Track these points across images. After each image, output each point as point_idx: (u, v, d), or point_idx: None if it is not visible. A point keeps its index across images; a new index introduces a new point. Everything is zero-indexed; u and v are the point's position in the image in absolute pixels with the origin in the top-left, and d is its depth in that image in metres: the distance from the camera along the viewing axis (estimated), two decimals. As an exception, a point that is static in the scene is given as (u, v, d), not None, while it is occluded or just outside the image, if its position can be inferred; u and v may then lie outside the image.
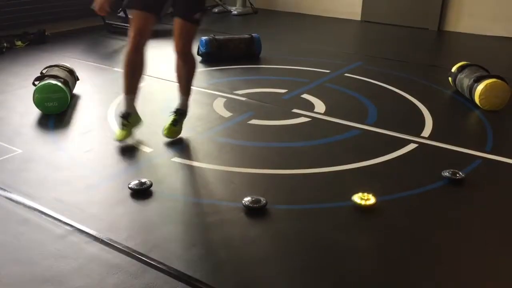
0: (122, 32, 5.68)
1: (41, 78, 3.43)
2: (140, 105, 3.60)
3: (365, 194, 2.33)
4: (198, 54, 4.69)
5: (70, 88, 3.55)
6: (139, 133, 3.09)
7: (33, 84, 3.40)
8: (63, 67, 3.68)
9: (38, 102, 3.26)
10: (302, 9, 7.11)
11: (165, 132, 2.94)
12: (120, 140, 2.86)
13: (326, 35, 6.05)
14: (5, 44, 4.83)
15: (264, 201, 2.28)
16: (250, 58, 4.73)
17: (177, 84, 2.99)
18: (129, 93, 2.86)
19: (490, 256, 2.04)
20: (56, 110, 3.30)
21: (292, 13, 7.09)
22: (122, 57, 2.86)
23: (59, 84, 3.31)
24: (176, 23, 2.72)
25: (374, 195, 2.33)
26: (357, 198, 2.31)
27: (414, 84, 4.15)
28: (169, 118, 2.97)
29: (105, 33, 5.72)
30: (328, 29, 6.34)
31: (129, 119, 2.87)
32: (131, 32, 2.72)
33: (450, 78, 3.98)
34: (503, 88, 3.51)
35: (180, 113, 2.98)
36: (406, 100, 3.76)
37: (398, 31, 6.26)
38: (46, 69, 3.65)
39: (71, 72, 3.71)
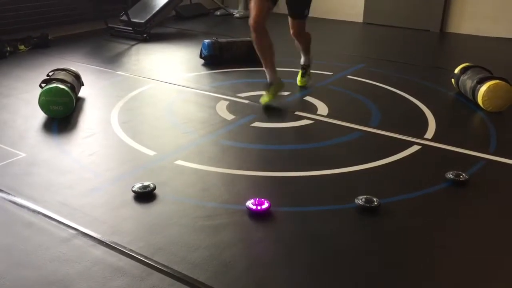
0: (125, 36, 5.71)
1: (48, 81, 3.44)
2: (143, 108, 3.63)
3: None
4: (200, 57, 4.71)
5: (76, 94, 3.56)
6: (142, 135, 3.11)
7: (40, 86, 3.41)
8: (70, 71, 3.69)
9: (43, 105, 3.27)
10: (304, 11, 7.11)
11: (299, 83, 4.01)
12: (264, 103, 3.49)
13: (328, 37, 6.05)
14: (8, 48, 4.85)
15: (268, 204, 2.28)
16: (253, 60, 4.70)
17: (300, 49, 3.94)
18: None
19: (493, 258, 2.04)
20: (60, 115, 3.31)
21: (294, 16, 7.09)
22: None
23: (66, 89, 3.32)
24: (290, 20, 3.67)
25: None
26: None
27: (417, 86, 4.15)
28: (299, 73, 4.03)
29: (108, 37, 5.74)
30: (330, 31, 6.34)
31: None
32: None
33: (453, 80, 3.98)
34: (506, 89, 3.50)
35: (306, 66, 4.01)
36: (409, 101, 3.76)
37: (401, 33, 6.26)
38: (53, 72, 3.67)
39: (77, 77, 3.72)
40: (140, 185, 2.42)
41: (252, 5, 3.36)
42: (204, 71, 4.50)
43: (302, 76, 4.02)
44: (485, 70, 3.78)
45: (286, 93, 3.87)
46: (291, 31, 3.70)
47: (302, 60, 4.00)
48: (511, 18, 5.84)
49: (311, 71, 4.11)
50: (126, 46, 5.43)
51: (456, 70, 3.93)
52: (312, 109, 3.56)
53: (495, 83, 3.49)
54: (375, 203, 2.30)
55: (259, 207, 2.26)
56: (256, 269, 1.93)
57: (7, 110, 3.50)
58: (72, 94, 3.35)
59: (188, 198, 2.41)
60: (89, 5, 5.81)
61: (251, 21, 3.35)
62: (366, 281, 1.88)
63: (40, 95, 3.27)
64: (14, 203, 2.34)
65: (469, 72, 3.78)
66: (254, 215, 2.25)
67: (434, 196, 2.46)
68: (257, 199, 2.30)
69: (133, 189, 2.40)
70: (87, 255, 1.98)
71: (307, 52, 3.96)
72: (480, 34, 6.02)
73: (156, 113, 3.51)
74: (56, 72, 3.67)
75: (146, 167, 2.70)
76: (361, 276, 1.91)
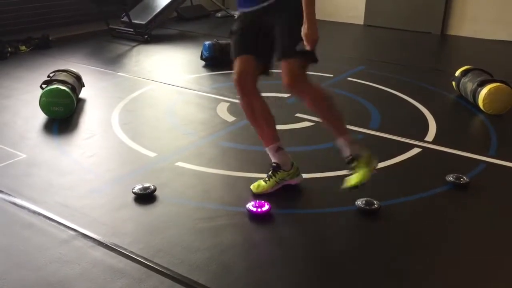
0: (126, 37, 5.71)
1: (48, 82, 3.44)
2: (143, 110, 3.63)
3: None
4: (201, 58, 4.71)
5: (77, 95, 3.56)
6: (143, 137, 3.11)
7: (41, 87, 3.41)
8: (71, 72, 3.69)
9: (43, 106, 3.27)
10: (305, 13, 7.11)
11: (347, 183, 2.31)
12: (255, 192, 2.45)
13: (329, 40, 6.05)
14: (9, 49, 4.85)
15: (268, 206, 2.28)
16: (253, 62, 4.72)
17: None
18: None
19: (493, 261, 2.03)
20: (61, 115, 3.31)
21: (295, 18, 7.09)
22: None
23: (67, 90, 3.32)
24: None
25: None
26: None
27: (418, 88, 4.15)
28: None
29: (109, 38, 5.75)
30: (331, 33, 6.34)
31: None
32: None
33: (453, 82, 3.98)
34: (507, 92, 3.50)
35: (352, 158, 2.33)
36: (409, 104, 3.76)
37: (401, 35, 6.26)
38: (54, 73, 3.67)
39: (78, 78, 3.72)
40: (141, 186, 2.42)
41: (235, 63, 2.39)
42: (205, 73, 4.50)
43: (353, 171, 2.34)
44: (485, 73, 3.78)
45: (287, 95, 3.87)
46: (286, 86, 2.32)
47: (344, 151, 2.37)
48: (512, 21, 5.85)
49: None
50: (127, 48, 5.43)
51: (457, 73, 3.93)
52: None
53: (496, 86, 3.49)
54: (376, 205, 2.30)
55: (259, 209, 2.26)
56: (255, 271, 1.93)
57: (8, 111, 3.50)
58: (72, 95, 3.35)
59: (188, 200, 2.41)
60: (91, 7, 5.81)
61: (234, 75, 2.38)
62: (366, 283, 1.88)
63: (41, 96, 3.27)
64: (14, 204, 2.34)
65: (469, 74, 3.78)
66: (254, 217, 2.25)
67: (435, 199, 2.45)
68: (257, 201, 2.29)
69: (134, 190, 2.40)
70: (87, 256, 1.98)
71: (337, 128, 2.41)
72: (481, 37, 6.02)
73: (157, 115, 3.51)
74: (57, 73, 3.67)
75: (146, 169, 2.70)
76: (361, 278, 1.90)
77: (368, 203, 2.30)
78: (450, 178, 2.56)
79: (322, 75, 4.40)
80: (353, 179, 2.30)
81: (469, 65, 3.96)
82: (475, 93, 3.60)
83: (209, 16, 7.23)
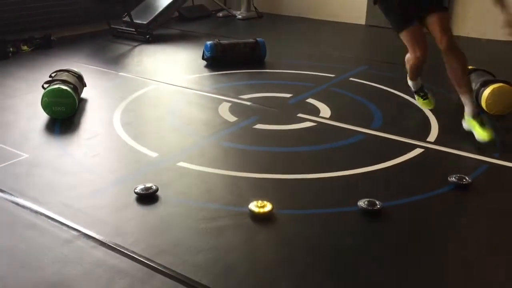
0: (127, 37, 5.71)
1: (50, 82, 3.45)
2: (145, 110, 3.63)
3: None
4: (203, 58, 4.71)
5: (79, 94, 3.56)
6: (145, 137, 3.11)
7: (42, 87, 3.41)
8: (72, 72, 3.69)
9: (45, 106, 3.27)
10: (306, 13, 7.12)
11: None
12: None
13: (331, 40, 6.05)
14: (11, 49, 4.85)
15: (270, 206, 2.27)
16: (255, 62, 4.73)
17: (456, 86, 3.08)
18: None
19: (495, 262, 2.03)
20: (63, 115, 3.31)
21: (297, 18, 7.10)
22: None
23: (69, 89, 3.32)
24: (432, 19, 2.91)
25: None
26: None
27: (420, 89, 4.13)
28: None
29: (110, 38, 5.74)
30: (333, 34, 6.34)
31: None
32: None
33: (455, 83, 3.96)
34: (510, 93, 3.49)
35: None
36: (411, 104, 3.75)
37: (403, 35, 6.24)
38: (55, 73, 3.67)
39: (80, 78, 3.72)
40: (143, 186, 2.42)
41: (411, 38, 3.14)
42: (207, 73, 4.50)
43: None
44: (488, 73, 3.77)
45: (288, 95, 3.87)
46: (439, 39, 2.96)
47: (468, 111, 3.04)
48: (514, 21, 5.83)
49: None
50: (128, 47, 5.43)
51: (459, 73, 3.91)
52: (315, 111, 3.56)
53: (499, 87, 3.48)
54: (378, 206, 2.30)
55: (261, 210, 2.25)
56: (258, 271, 1.93)
57: (10, 111, 3.50)
58: (74, 95, 3.35)
59: (191, 200, 2.41)
60: (92, 7, 5.81)
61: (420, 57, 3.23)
62: (368, 284, 1.88)
63: (43, 96, 3.27)
64: (17, 204, 2.34)
65: (472, 75, 3.77)
66: (257, 217, 2.25)
67: (437, 200, 2.45)
68: (260, 201, 2.29)
69: (136, 190, 2.40)
70: (89, 256, 1.98)
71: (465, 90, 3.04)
72: (482, 37, 6.01)
73: (159, 115, 3.50)
74: (58, 73, 3.67)
75: (148, 169, 2.70)
76: (363, 279, 1.90)
77: (370, 204, 2.30)
78: (452, 178, 2.55)
79: (324, 75, 4.40)
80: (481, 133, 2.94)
81: (471, 66, 3.94)
82: (478, 94, 3.59)
83: (211, 16, 7.22)
